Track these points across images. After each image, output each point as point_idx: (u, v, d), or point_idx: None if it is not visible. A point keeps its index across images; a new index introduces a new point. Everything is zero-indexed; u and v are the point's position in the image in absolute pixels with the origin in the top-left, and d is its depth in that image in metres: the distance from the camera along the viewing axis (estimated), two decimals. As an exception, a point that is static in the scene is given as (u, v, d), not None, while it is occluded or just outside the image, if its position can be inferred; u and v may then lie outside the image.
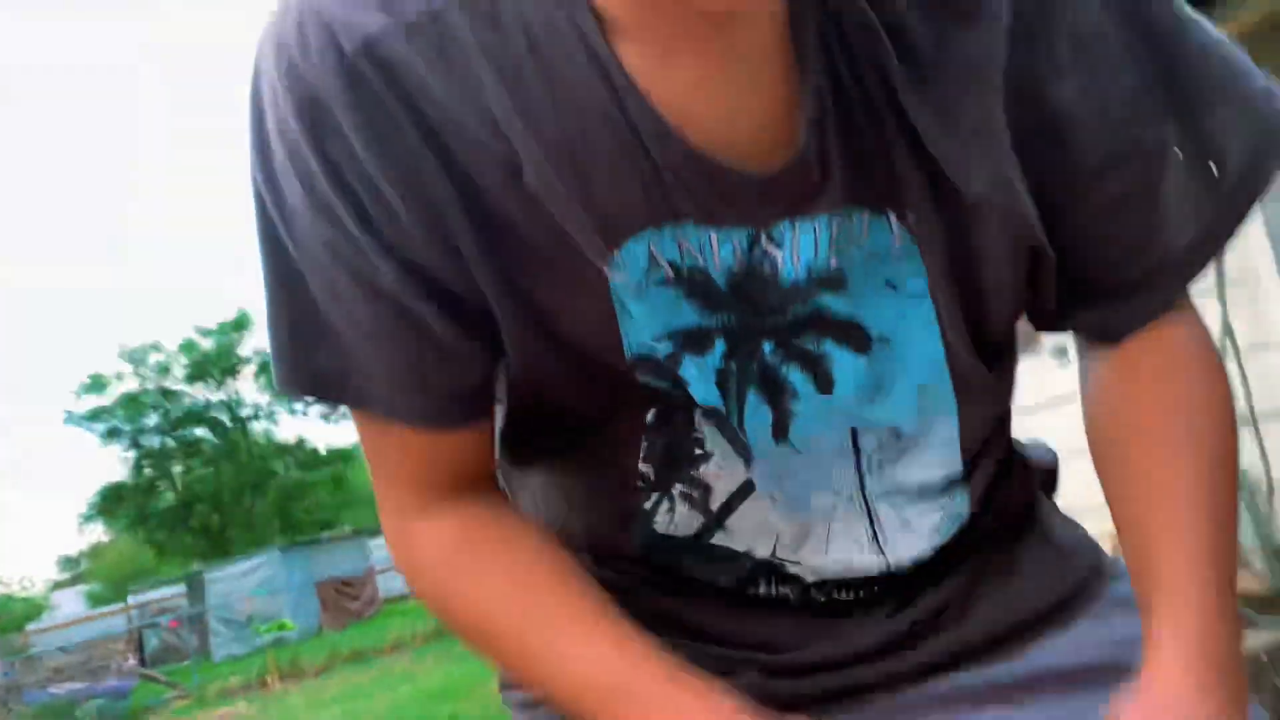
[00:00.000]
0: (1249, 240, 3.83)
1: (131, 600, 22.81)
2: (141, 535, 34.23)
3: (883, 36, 0.53)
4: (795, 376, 0.62)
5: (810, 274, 0.59)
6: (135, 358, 32.48)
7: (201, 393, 33.11)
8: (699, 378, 0.60)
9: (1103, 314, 0.65)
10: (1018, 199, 0.58)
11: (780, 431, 0.63)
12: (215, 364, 32.51)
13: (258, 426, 33.30)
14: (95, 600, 34.64)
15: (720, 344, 0.60)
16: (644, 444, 0.64)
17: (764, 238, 0.57)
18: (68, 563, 49.98)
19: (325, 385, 0.61)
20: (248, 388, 33.10)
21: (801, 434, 0.63)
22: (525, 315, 0.58)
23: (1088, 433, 0.68)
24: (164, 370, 32.91)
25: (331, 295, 0.57)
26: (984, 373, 0.65)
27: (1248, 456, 3.12)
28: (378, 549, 22.89)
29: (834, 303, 0.60)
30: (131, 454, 32.96)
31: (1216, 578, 0.59)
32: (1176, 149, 0.59)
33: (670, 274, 0.57)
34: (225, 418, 33.11)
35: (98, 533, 41.80)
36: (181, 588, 20.88)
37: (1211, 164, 0.59)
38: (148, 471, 33.13)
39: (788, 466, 0.64)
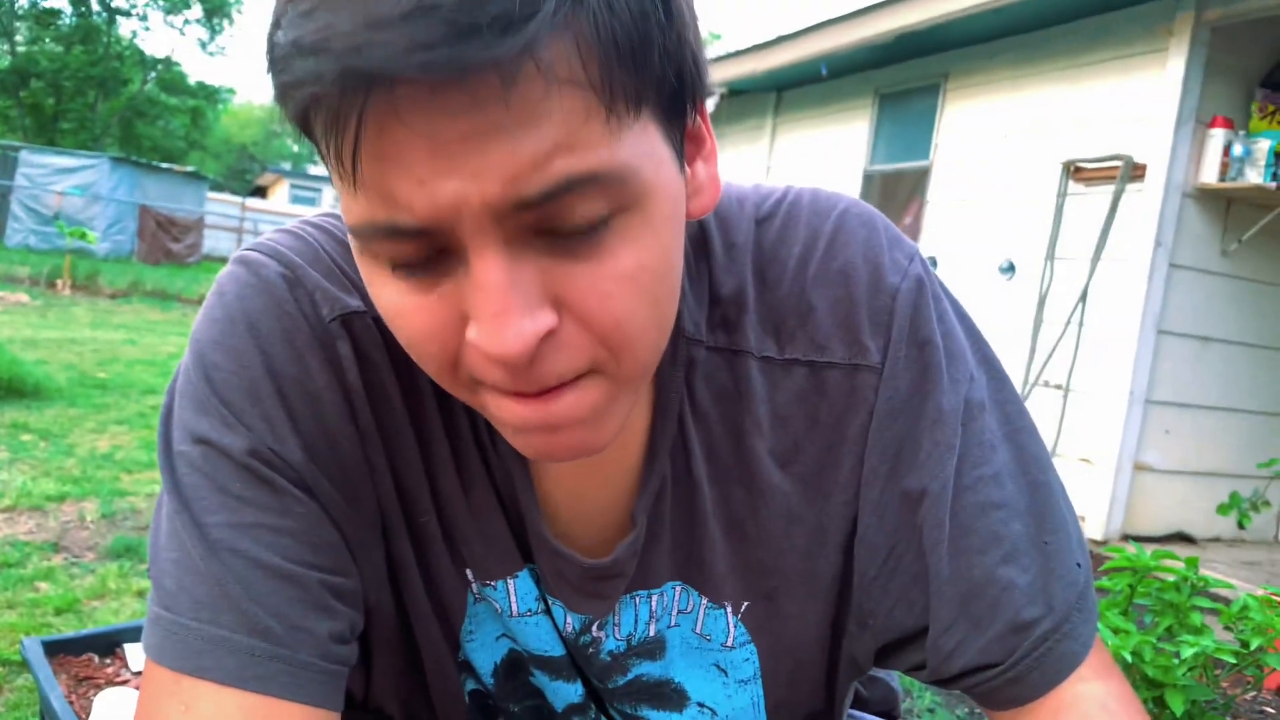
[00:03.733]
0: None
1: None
2: (-36, 88, 31.37)
3: (750, 404, 0.61)
4: None
5: (629, 644, 0.68)
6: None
7: (76, -35, 29.87)
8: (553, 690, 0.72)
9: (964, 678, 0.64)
10: (823, 592, 0.65)
11: None
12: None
13: (126, 25, 30.60)
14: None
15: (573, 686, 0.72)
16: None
17: (595, 625, 0.67)
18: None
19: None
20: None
21: None
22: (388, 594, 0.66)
23: None
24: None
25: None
26: None
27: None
28: (214, 203, 21.86)
29: (651, 668, 0.69)
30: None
31: None
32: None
33: (506, 611, 0.67)
34: None
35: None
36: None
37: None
38: (-9, 23, 30.00)
39: None
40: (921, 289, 0.61)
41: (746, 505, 0.62)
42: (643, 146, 0.47)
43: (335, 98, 0.41)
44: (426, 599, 0.66)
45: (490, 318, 0.45)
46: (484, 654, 0.70)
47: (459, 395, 0.53)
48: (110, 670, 1.57)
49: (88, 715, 1.43)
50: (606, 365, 0.49)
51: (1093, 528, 4.26)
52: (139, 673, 1.57)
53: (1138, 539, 4.28)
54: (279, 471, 0.57)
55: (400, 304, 0.48)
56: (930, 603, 0.60)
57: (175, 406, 0.59)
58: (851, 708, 0.81)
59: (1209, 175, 4.10)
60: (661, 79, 0.46)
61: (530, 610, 0.66)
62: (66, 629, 2.37)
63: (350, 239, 0.50)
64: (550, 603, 0.66)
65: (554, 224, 0.45)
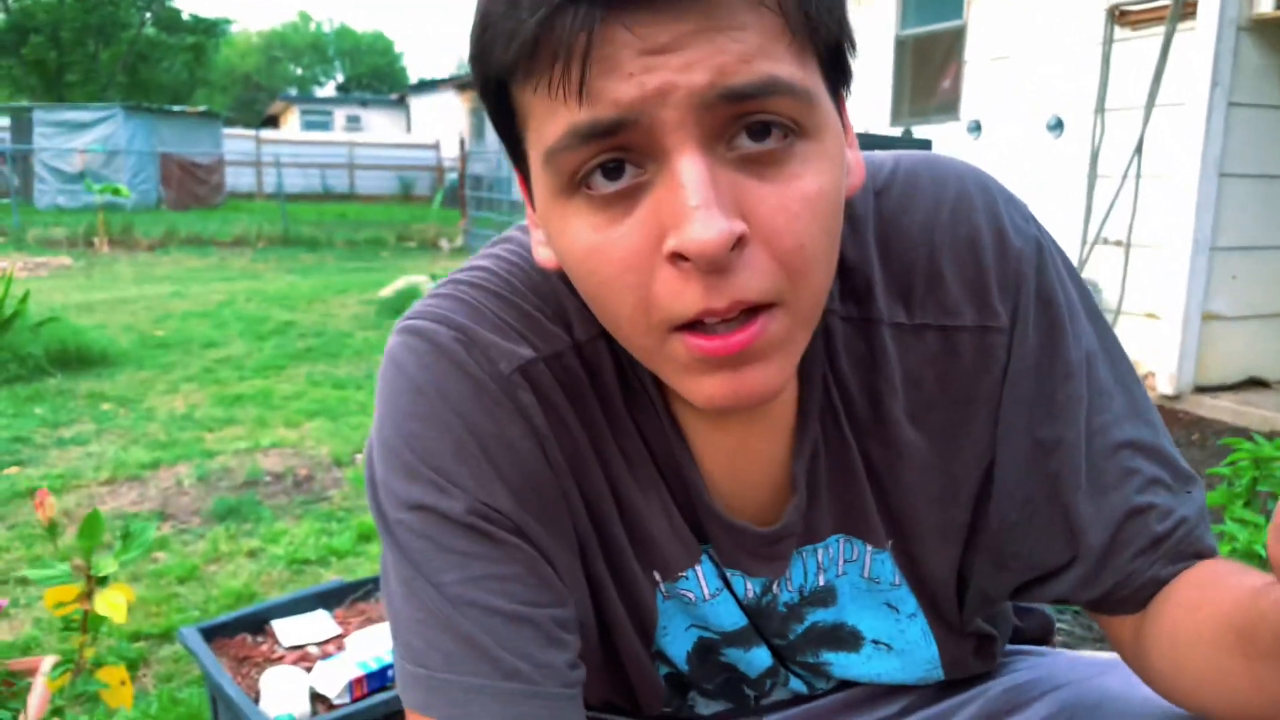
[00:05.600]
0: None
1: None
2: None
3: (884, 368, 0.64)
4: (796, 684, 0.80)
5: (801, 595, 0.72)
6: None
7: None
8: (747, 662, 0.77)
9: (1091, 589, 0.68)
10: (958, 538, 0.69)
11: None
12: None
13: (115, -33, 29.95)
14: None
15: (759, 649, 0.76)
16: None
17: (775, 585, 0.71)
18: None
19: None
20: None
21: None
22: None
23: (1173, 684, 0.67)
24: None
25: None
26: (971, 659, 0.77)
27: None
28: (230, 140, 21.74)
29: (825, 615, 0.74)
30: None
31: None
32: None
33: (695, 599, 0.71)
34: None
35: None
36: (5, 120, 19.28)
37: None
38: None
39: None
40: (1042, 251, 0.64)
41: (884, 461, 0.66)
42: (819, 86, 0.52)
43: (568, 16, 0.47)
44: (623, 608, 0.70)
45: (691, 212, 0.47)
46: (676, 646, 0.74)
47: (645, 349, 0.55)
48: (265, 648, 1.65)
49: (255, 695, 1.50)
50: (786, 296, 0.52)
51: (1163, 382, 4.24)
52: (291, 647, 1.65)
53: (1211, 389, 4.26)
54: (496, 524, 0.61)
55: (595, 240, 0.51)
56: (1076, 540, 0.66)
57: (382, 479, 0.62)
58: (1010, 641, 0.84)
59: (1265, 3, 3.93)
60: (829, 38, 0.52)
61: (717, 590, 0.71)
62: (193, 598, 2.48)
63: (545, 177, 0.53)
64: (729, 576, 0.70)
65: (752, 126, 0.49)
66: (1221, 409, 4.09)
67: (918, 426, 0.65)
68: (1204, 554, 0.67)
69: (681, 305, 0.50)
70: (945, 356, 0.64)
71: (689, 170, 0.48)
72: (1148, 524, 0.65)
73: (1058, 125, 4.82)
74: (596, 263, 0.52)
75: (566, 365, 0.64)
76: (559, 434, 0.64)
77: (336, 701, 1.52)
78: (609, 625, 0.70)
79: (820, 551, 0.69)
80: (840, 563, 0.70)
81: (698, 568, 0.69)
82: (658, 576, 0.69)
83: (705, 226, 0.47)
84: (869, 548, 0.69)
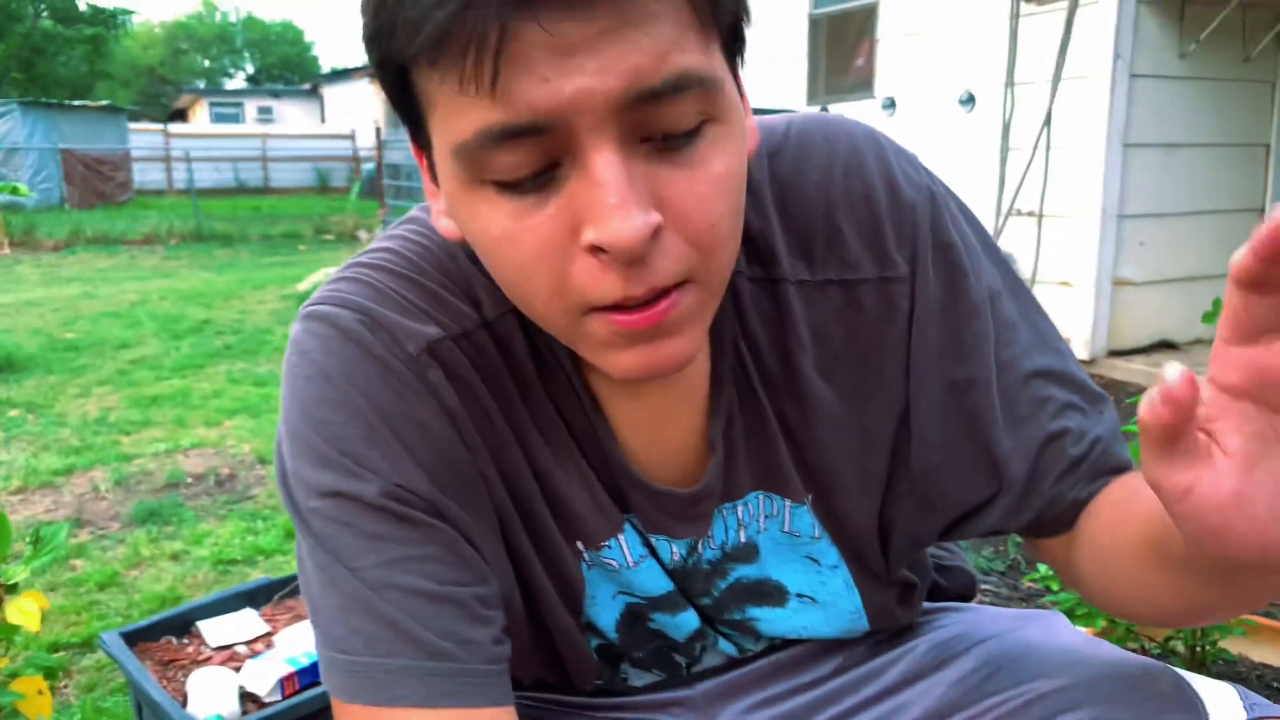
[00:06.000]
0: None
1: None
2: None
3: (792, 325, 0.65)
4: (725, 645, 0.80)
5: (724, 552, 0.73)
6: None
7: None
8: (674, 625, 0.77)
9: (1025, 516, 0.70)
10: (877, 486, 0.70)
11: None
12: None
13: (4, -42, 28.67)
14: None
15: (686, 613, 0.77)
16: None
17: (699, 544, 0.72)
18: None
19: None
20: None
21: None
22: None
23: (1104, 594, 0.69)
24: None
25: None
26: (896, 608, 0.78)
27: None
28: (137, 135, 21.01)
29: (748, 570, 0.74)
30: None
31: None
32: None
33: (619, 566, 0.71)
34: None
35: None
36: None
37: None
38: None
39: None
40: (935, 199, 0.66)
41: (798, 417, 0.68)
42: (724, 68, 0.53)
43: (480, 9, 0.45)
44: (549, 581, 0.70)
45: (611, 209, 0.48)
46: (605, 615, 0.74)
47: (561, 328, 0.56)
48: (191, 650, 1.60)
49: (183, 698, 1.46)
50: (699, 272, 0.53)
51: (1078, 348, 4.37)
52: (219, 648, 1.61)
53: (1123, 353, 4.40)
54: (412, 505, 0.60)
55: (510, 228, 0.51)
56: (998, 473, 0.67)
57: (292, 468, 0.62)
58: (929, 598, 0.86)
59: (1162, -21, 4.04)
60: (730, 15, 0.53)
61: (640, 557, 0.71)
62: (115, 604, 2.40)
63: (452, 166, 0.52)
64: (654, 541, 0.71)
65: (664, 124, 0.49)
66: (1134, 371, 4.23)
67: (828, 381, 0.67)
68: (1121, 468, 0.69)
69: (600, 292, 0.51)
70: (850, 310, 0.65)
71: (606, 169, 0.48)
72: (1064, 448, 0.67)
73: (969, 100, 4.91)
74: (511, 249, 0.52)
75: (477, 343, 0.64)
76: (472, 412, 0.64)
77: (267, 700, 1.49)
78: (536, 600, 0.70)
79: (740, 509, 0.71)
80: (761, 519, 0.72)
81: (620, 536, 0.70)
82: (581, 547, 0.70)
83: (624, 224, 0.48)
84: (787, 503, 0.70)
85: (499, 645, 0.63)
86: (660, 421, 0.67)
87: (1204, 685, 0.67)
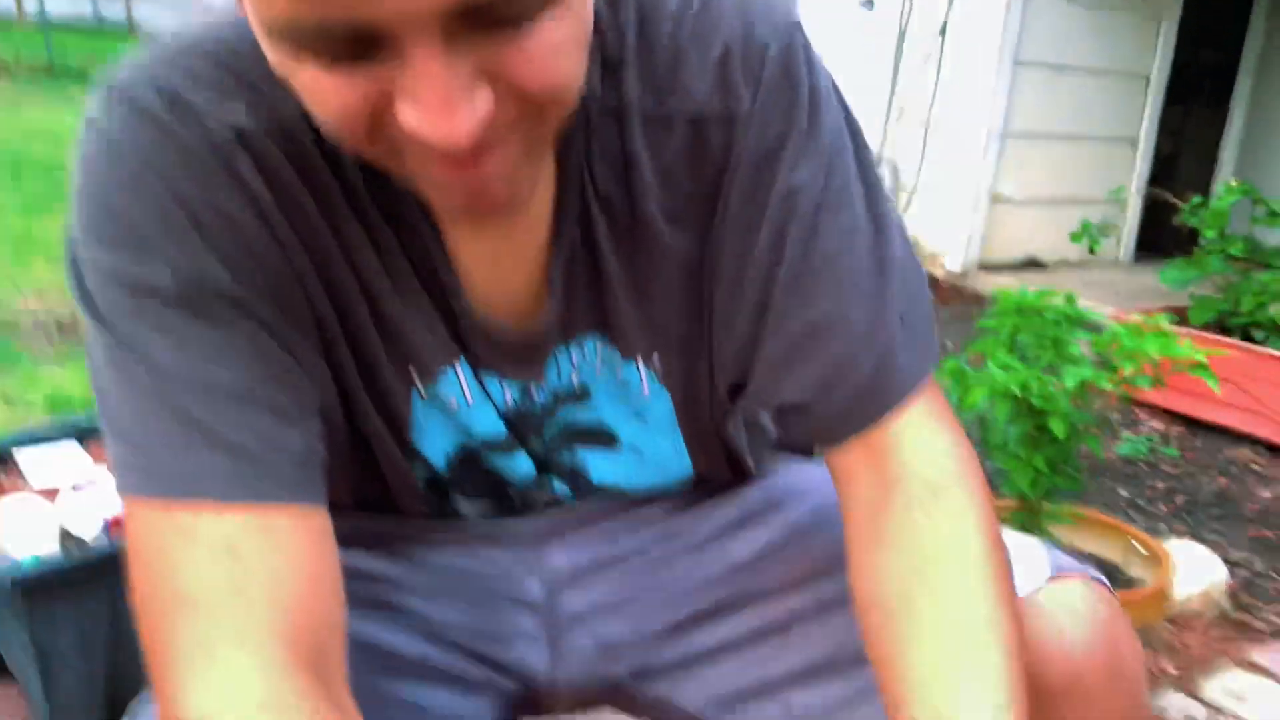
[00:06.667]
0: None
1: None
2: None
3: (638, 163, 0.63)
4: (560, 488, 0.78)
5: (556, 396, 0.72)
6: None
7: None
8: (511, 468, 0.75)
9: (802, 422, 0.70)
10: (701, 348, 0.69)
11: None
12: None
13: None
14: None
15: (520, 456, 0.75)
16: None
17: (532, 387, 0.71)
18: None
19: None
20: None
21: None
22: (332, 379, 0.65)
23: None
24: None
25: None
26: (726, 466, 0.79)
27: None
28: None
29: (580, 413, 0.73)
30: None
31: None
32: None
33: (457, 406, 0.70)
34: None
35: None
36: None
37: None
38: None
39: None
40: (794, 47, 0.64)
41: (647, 265, 0.66)
42: None
43: None
44: (370, 399, 0.67)
45: (434, 108, 0.46)
46: (434, 447, 0.72)
47: (375, 159, 0.53)
48: (5, 483, 1.50)
49: (-6, 534, 1.37)
50: (533, 124, 0.51)
51: (952, 260, 4.47)
52: (42, 491, 1.50)
53: (994, 268, 4.53)
54: (211, 298, 0.57)
55: (319, 83, 0.47)
56: (767, 335, 0.65)
57: (84, 256, 0.57)
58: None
59: (1071, -104, 4.03)
60: None
61: (478, 396, 0.69)
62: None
63: (256, 28, 0.48)
64: (486, 381, 0.69)
65: (497, 13, 0.45)
66: (1003, 286, 4.36)
67: (676, 226, 0.65)
68: (891, 400, 0.66)
69: (426, 168, 0.50)
70: (695, 151, 0.64)
71: (430, 65, 0.45)
72: (831, 344, 0.66)
73: (869, 2, 4.87)
74: (320, 102, 0.48)
75: (297, 142, 0.59)
76: (288, 207, 0.59)
77: (91, 542, 1.41)
78: (357, 416, 0.68)
79: (575, 352, 0.69)
80: (597, 364, 0.70)
81: (456, 367, 0.67)
82: (414, 373, 0.67)
83: (450, 127, 0.46)
84: (617, 352, 0.69)
85: (311, 451, 0.60)
86: (500, 255, 0.65)
87: (1012, 540, 0.68)
